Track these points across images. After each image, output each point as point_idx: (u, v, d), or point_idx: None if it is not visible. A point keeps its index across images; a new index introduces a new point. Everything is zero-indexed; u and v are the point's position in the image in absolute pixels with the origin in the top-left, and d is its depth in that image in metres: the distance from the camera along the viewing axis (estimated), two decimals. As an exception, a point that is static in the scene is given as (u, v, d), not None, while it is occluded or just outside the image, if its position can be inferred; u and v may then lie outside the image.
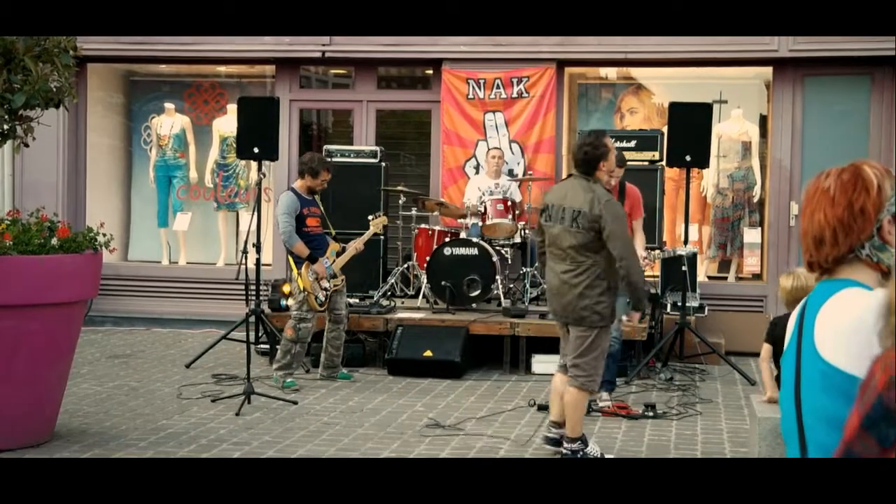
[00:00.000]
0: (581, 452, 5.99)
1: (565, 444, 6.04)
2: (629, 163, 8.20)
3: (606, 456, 6.12)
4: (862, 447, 1.76)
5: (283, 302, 9.04)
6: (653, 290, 9.44)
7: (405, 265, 9.96)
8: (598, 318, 5.88)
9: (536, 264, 9.74)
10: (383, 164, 10.20)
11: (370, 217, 8.65)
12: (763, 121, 10.83)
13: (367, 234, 8.53)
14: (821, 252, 2.17)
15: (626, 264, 5.79)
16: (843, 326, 2.04)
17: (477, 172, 10.46)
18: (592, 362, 5.93)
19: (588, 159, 5.93)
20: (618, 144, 9.26)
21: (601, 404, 7.29)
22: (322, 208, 8.38)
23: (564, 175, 10.80)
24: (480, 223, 9.41)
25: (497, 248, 9.42)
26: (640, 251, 7.82)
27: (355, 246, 8.39)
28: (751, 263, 10.69)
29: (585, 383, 5.93)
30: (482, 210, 9.42)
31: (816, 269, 2.21)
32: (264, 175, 9.38)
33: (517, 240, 9.63)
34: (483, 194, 9.61)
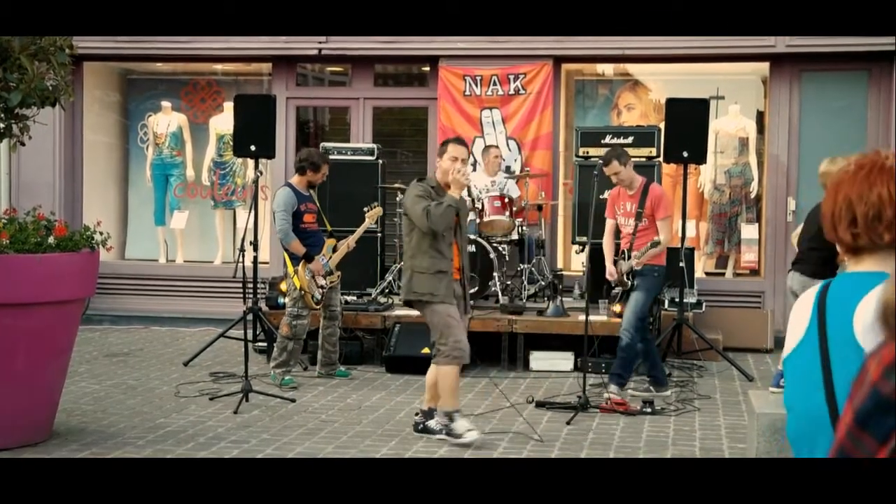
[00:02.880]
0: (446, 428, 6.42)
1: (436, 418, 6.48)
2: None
3: (467, 437, 6.32)
4: (856, 446, 1.73)
5: (281, 300, 9.03)
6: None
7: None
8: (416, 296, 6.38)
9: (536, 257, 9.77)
10: (380, 161, 10.18)
11: (365, 209, 8.64)
12: (760, 117, 10.84)
13: (361, 229, 8.52)
14: (873, 229, 2.05)
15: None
16: None
17: (474, 169, 10.45)
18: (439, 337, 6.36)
19: None
20: (615, 141, 9.30)
21: (606, 395, 7.33)
22: (318, 204, 8.38)
23: (562, 172, 10.83)
24: (478, 220, 9.40)
25: (494, 244, 9.41)
26: (664, 244, 7.56)
27: (347, 244, 8.39)
28: (748, 259, 10.70)
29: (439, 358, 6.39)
30: (479, 207, 9.41)
31: (863, 240, 2.07)
32: (261, 173, 9.37)
33: (514, 236, 9.61)
34: (480, 191, 9.60)
